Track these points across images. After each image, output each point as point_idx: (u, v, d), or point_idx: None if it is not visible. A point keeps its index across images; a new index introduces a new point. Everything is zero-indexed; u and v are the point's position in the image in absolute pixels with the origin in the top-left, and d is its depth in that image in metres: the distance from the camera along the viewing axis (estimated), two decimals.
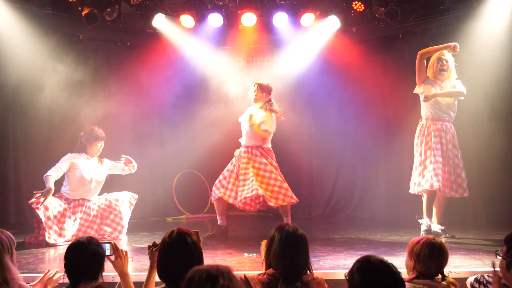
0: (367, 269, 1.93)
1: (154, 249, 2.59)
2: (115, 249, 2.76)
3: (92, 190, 5.50)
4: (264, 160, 5.45)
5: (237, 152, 5.65)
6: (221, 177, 5.64)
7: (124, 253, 2.77)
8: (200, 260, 2.39)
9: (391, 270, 1.93)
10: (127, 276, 2.75)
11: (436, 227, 5.24)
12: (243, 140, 5.61)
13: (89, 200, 5.51)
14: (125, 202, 5.66)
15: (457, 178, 5.25)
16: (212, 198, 5.68)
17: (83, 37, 6.81)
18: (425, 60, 5.37)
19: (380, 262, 1.95)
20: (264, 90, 5.53)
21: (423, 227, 5.28)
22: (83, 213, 5.46)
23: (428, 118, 5.32)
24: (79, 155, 5.51)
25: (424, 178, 5.24)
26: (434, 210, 5.30)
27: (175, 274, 2.27)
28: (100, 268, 2.55)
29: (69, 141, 6.65)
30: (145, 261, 4.30)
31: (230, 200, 5.50)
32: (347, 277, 1.99)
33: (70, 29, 6.60)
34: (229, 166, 5.66)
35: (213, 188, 5.64)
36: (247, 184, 5.37)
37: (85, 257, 2.49)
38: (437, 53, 5.35)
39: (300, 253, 2.52)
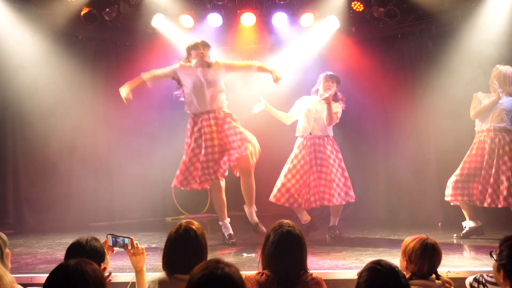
0: (375, 272, 1.96)
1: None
2: (133, 245, 2.79)
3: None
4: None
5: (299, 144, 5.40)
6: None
7: (141, 250, 2.80)
8: (204, 253, 2.56)
9: (399, 280, 1.95)
10: (142, 272, 2.81)
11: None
12: (311, 130, 5.37)
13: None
14: None
15: (490, 188, 5.17)
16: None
17: (82, 37, 6.81)
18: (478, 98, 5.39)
19: (390, 269, 1.97)
20: None
21: (465, 229, 5.31)
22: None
23: (477, 130, 5.35)
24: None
25: (454, 189, 5.30)
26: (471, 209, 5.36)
27: (180, 266, 2.48)
28: (99, 265, 2.55)
29: (68, 140, 6.67)
30: (146, 260, 4.31)
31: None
32: (358, 275, 2.03)
33: (69, 28, 6.58)
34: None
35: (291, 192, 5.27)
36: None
37: (84, 256, 2.49)
38: (504, 68, 5.29)
39: (294, 255, 2.48)
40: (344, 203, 5.32)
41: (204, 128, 5.06)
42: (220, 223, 5.22)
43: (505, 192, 5.07)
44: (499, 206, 5.14)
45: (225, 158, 5.04)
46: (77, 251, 2.50)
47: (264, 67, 5.34)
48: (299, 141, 5.44)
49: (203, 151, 5.01)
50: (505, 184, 5.07)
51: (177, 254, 2.51)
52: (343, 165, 5.36)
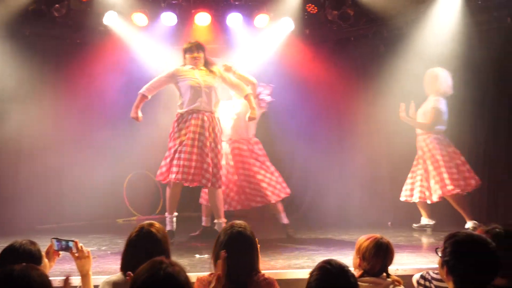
0: (325, 271, 1.99)
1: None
2: (78, 248, 2.69)
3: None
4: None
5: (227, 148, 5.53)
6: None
7: (87, 253, 2.71)
8: (166, 255, 2.47)
9: (348, 279, 1.98)
10: (88, 276, 2.72)
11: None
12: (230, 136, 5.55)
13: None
14: None
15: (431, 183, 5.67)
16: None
17: (30, 33, 6.54)
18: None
19: (340, 268, 2.00)
20: None
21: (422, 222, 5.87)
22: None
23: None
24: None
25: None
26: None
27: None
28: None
29: (14, 141, 6.41)
30: (94, 264, 4.19)
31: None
32: (309, 275, 2.06)
33: (15, 24, 6.27)
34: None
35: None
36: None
37: (17, 260, 2.38)
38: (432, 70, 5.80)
39: (244, 255, 2.48)
40: (279, 199, 5.49)
41: (205, 127, 5.02)
42: (167, 215, 5.15)
43: (436, 187, 5.58)
44: (434, 201, 5.65)
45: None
46: (11, 255, 2.42)
47: (251, 101, 5.23)
48: (223, 145, 5.52)
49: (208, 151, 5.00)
50: (432, 181, 5.61)
51: (138, 256, 2.39)
52: (268, 163, 5.54)
